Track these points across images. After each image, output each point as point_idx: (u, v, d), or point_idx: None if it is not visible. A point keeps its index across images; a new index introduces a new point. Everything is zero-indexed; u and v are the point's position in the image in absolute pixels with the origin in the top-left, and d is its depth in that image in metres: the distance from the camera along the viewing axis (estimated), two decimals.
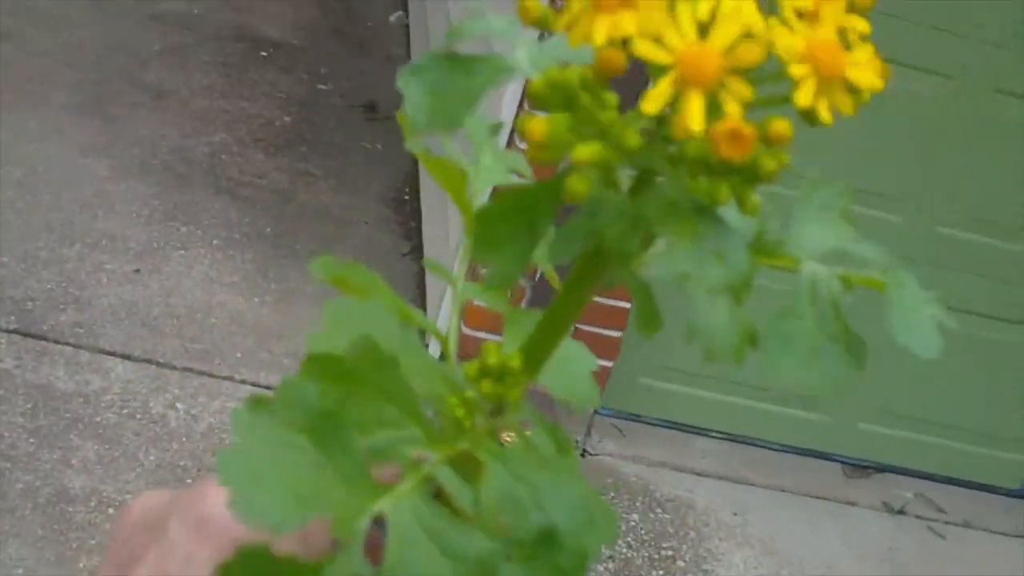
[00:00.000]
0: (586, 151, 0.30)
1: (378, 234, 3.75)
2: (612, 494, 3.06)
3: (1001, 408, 3.52)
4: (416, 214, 3.85)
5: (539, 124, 0.31)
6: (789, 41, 0.30)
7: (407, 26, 5.22)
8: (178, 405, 2.81)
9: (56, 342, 2.90)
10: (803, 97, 0.31)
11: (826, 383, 0.34)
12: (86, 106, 3.94)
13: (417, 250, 3.71)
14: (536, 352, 0.39)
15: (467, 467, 0.35)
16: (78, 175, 3.56)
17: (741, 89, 0.30)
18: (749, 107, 0.30)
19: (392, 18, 5.32)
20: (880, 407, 3.48)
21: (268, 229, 3.58)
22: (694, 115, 0.29)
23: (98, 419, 2.70)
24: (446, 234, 3.43)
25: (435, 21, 4.57)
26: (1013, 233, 3.30)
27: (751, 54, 0.30)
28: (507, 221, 0.33)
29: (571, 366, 0.43)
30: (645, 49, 0.29)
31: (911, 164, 3.19)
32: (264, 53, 4.63)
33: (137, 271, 3.22)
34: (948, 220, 3.27)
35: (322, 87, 4.52)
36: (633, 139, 0.30)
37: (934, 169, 3.20)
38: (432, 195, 3.71)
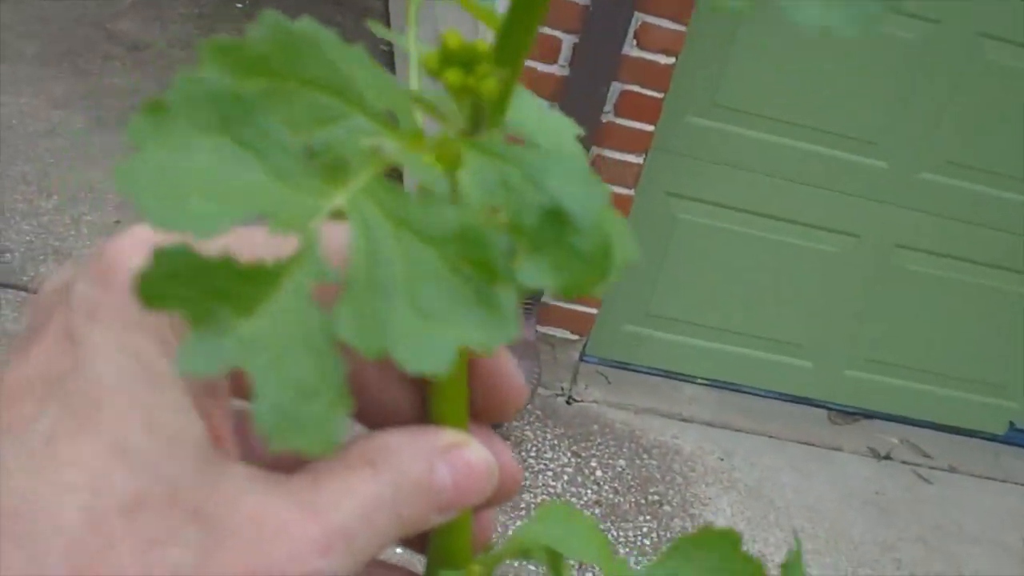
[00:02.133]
0: None
1: None
2: (598, 440, 3.05)
3: (987, 354, 3.52)
4: None
5: None
6: None
7: None
8: None
9: (36, 293, 2.86)
10: None
11: (854, 23, 0.26)
12: (61, 59, 3.88)
13: None
14: (512, 37, 0.31)
15: (440, 164, 0.29)
16: (54, 127, 3.51)
17: None
18: None
19: None
20: (866, 354, 3.48)
21: None
22: None
23: None
24: None
25: None
26: (997, 179, 3.29)
27: None
28: None
29: (558, 133, 0.36)
30: None
31: (891, 108, 3.16)
32: (240, 4, 4.58)
33: (118, 222, 3.18)
34: (931, 166, 3.25)
35: None
36: None
37: (914, 114, 3.17)
38: None
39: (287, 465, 0.30)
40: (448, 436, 0.33)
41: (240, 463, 0.29)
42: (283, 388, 0.24)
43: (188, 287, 0.24)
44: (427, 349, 0.25)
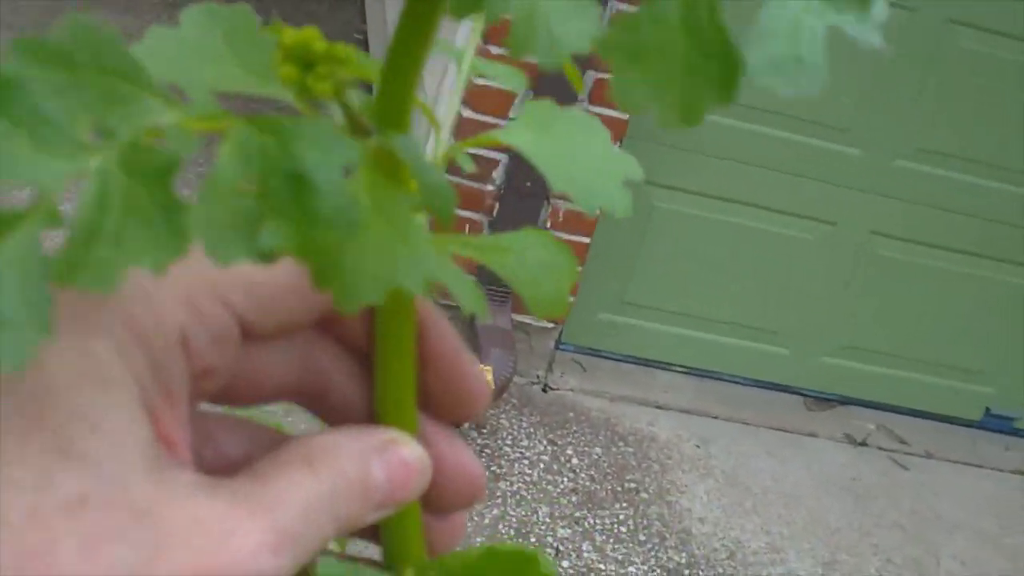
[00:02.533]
0: None
1: None
2: (574, 428, 3.04)
3: (963, 340, 3.52)
4: None
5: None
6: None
7: None
8: None
9: None
10: None
11: (686, 112, 0.25)
12: None
13: None
14: (396, 68, 0.31)
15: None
16: None
17: None
18: None
19: None
20: (843, 341, 3.48)
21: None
22: None
23: None
24: None
25: None
26: (971, 166, 3.30)
27: None
28: None
29: (609, 176, 0.37)
30: None
31: (865, 96, 3.16)
32: None
33: None
34: (905, 153, 3.26)
35: None
36: None
37: (888, 101, 3.18)
38: None
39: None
40: (384, 433, 0.34)
41: (189, 469, 0.30)
42: None
43: None
44: (98, 274, 0.26)
